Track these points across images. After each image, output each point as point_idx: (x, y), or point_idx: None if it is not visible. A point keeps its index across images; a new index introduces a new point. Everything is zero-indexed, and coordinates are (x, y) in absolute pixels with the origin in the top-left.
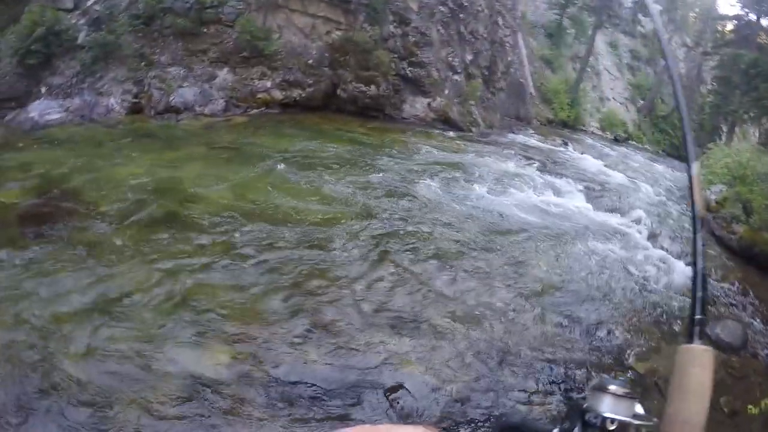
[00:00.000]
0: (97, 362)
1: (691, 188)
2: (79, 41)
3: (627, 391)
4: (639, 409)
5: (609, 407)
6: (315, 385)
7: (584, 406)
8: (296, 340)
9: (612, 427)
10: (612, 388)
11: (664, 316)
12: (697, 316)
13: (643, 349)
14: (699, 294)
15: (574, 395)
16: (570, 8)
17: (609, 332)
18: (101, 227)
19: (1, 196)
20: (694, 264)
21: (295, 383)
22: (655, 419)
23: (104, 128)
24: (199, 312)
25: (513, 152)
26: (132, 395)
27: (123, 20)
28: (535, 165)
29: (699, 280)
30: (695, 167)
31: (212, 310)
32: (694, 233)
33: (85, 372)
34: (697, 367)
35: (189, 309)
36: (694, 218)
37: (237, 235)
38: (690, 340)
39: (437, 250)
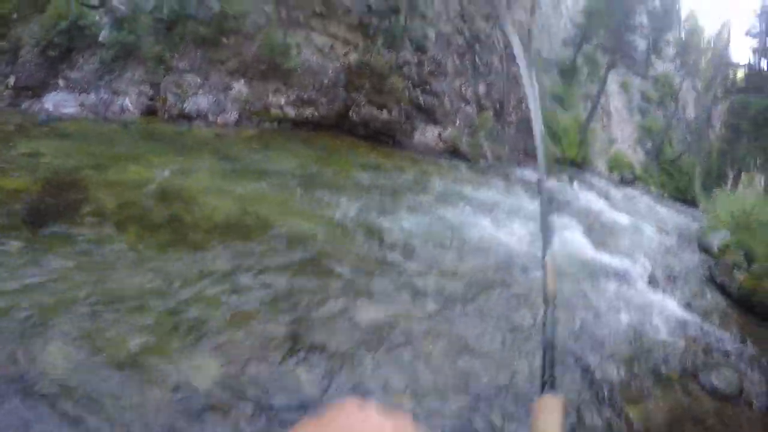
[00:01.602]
0: (82, 364)
1: (544, 271)
2: (101, 38)
3: None
4: None
5: None
6: (302, 408)
7: None
8: (288, 359)
9: None
10: None
11: (654, 359)
12: (547, 375)
13: (633, 391)
14: (549, 356)
15: None
16: (585, 47)
17: (603, 368)
18: (103, 225)
19: (9, 182)
20: (546, 334)
21: (281, 404)
22: None
23: (117, 126)
24: (191, 321)
25: (519, 187)
26: (117, 401)
27: (146, 22)
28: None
29: (549, 346)
30: (549, 255)
31: (206, 320)
32: (547, 307)
33: (68, 373)
34: (549, 413)
35: (182, 317)
36: (545, 297)
37: (238, 246)
38: (542, 393)
39: (435, 283)
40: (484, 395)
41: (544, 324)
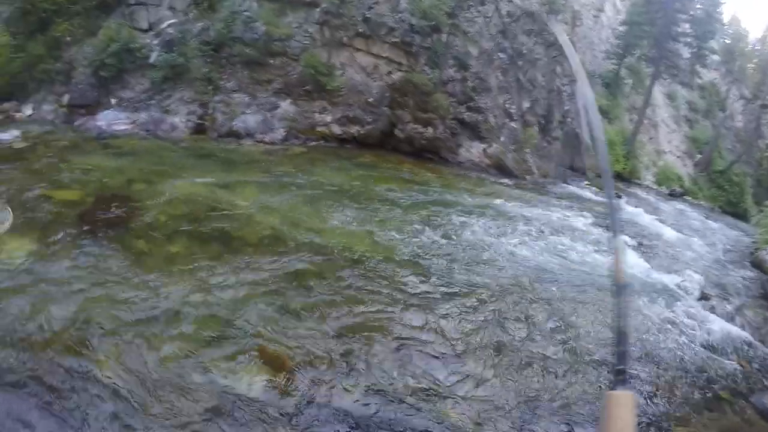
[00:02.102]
0: (129, 367)
1: (616, 257)
2: (151, 60)
3: None
4: None
5: None
6: (347, 418)
7: None
8: (334, 370)
9: None
10: None
11: (705, 379)
12: (619, 367)
13: (688, 406)
14: (621, 348)
15: None
16: (628, 58)
17: (652, 386)
18: (153, 236)
19: (64, 194)
20: (618, 324)
21: (326, 415)
22: None
23: (167, 144)
24: (239, 330)
25: (566, 203)
26: (163, 403)
27: (194, 45)
28: (588, 218)
29: (621, 337)
30: (620, 240)
31: (253, 330)
32: (618, 297)
33: (115, 375)
34: (621, 409)
35: (229, 326)
36: (616, 285)
37: (284, 260)
38: (614, 387)
39: (484, 300)
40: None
41: (616, 314)
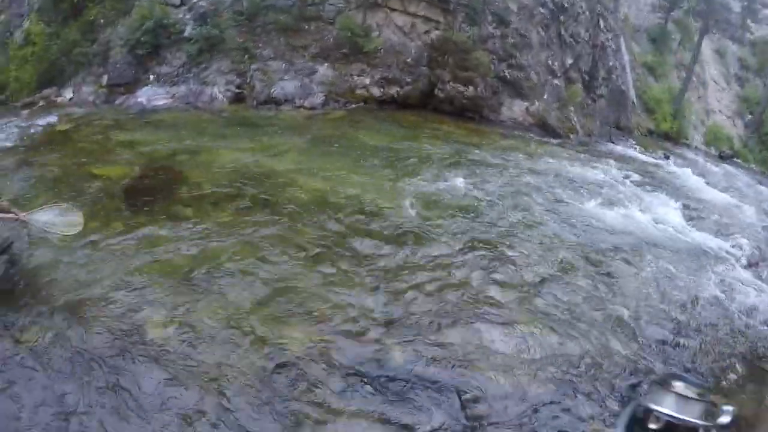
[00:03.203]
0: (182, 330)
1: None
2: (186, 34)
3: (696, 391)
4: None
5: (672, 406)
6: (390, 377)
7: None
8: (379, 329)
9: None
10: (677, 386)
11: (750, 346)
12: None
13: (730, 378)
14: None
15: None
16: (675, 11)
17: (693, 355)
18: (199, 204)
19: (109, 171)
20: None
21: (370, 373)
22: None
23: (208, 115)
24: (285, 292)
25: (612, 163)
26: (215, 363)
27: (227, 16)
28: (634, 178)
29: None
30: None
31: (299, 292)
32: None
33: (170, 337)
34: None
35: (277, 288)
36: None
37: (328, 224)
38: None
39: (528, 259)
40: None
41: None
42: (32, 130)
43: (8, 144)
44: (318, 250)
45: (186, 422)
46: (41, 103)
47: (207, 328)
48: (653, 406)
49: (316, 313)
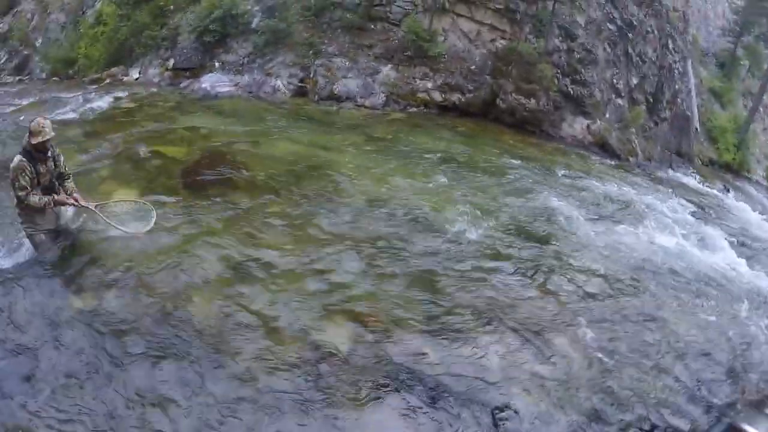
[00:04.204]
0: (224, 312)
1: None
2: (253, 25)
3: None
4: None
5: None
6: (425, 382)
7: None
8: (419, 334)
9: None
10: None
11: None
12: None
13: None
14: None
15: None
16: (745, 37)
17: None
18: (254, 193)
19: (171, 150)
20: None
21: (406, 376)
22: None
23: (269, 106)
24: (332, 286)
25: (670, 191)
26: (254, 350)
27: (295, 10)
28: (691, 208)
29: None
30: None
31: (344, 287)
32: None
33: (211, 318)
34: None
35: (323, 281)
36: None
37: (380, 224)
38: None
39: (574, 280)
40: None
41: None
42: (98, 106)
43: (75, 116)
44: (370, 249)
45: (211, 406)
46: (108, 80)
47: (249, 314)
48: (746, 427)
49: (362, 311)
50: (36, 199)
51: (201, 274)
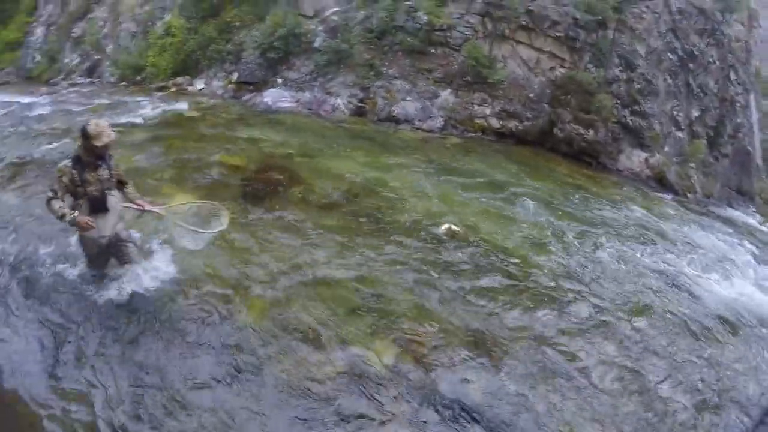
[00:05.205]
0: (272, 320)
1: None
2: (316, 45)
3: None
4: None
5: None
6: (465, 410)
7: None
8: (463, 360)
9: None
10: None
11: None
12: None
13: None
14: None
15: None
16: None
17: None
18: (308, 207)
19: (230, 159)
20: None
21: (445, 400)
22: None
23: (327, 123)
24: (379, 305)
25: (731, 231)
26: (296, 358)
27: (357, 32)
28: (752, 250)
29: None
30: None
31: (392, 308)
32: None
33: (259, 324)
34: None
35: (371, 299)
36: None
37: (433, 246)
38: None
39: (638, 326)
40: None
41: None
42: (163, 112)
43: (140, 121)
44: (418, 273)
45: (245, 413)
46: (173, 89)
47: (295, 324)
48: None
49: (406, 332)
50: (56, 207)
51: (250, 279)
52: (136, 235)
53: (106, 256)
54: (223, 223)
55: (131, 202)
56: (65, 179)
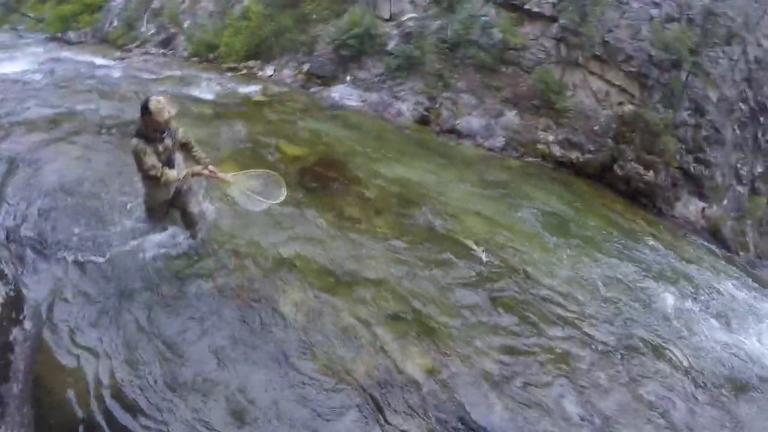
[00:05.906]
0: (310, 315)
1: None
2: (389, 48)
3: None
4: None
5: None
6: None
7: None
8: (491, 380)
9: None
10: None
11: None
12: None
13: None
14: None
15: None
16: None
17: None
18: (363, 206)
19: (291, 149)
20: None
21: (469, 419)
22: None
23: (391, 127)
24: (417, 315)
25: None
26: (329, 356)
27: (431, 41)
28: None
29: None
30: None
31: (430, 320)
32: None
33: (296, 317)
34: None
35: (410, 307)
36: None
37: (475, 267)
38: None
39: (679, 381)
40: None
41: None
42: (232, 93)
43: (210, 97)
44: (464, 289)
45: (267, 398)
46: (244, 71)
47: (332, 322)
48: None
49: (444, 346)
50: (174, 173)
51: (296, 273)
52: (211, 207)
53: (165, 208)
54: (283, 193)
55: (198, 163)
56: (149, 152)
